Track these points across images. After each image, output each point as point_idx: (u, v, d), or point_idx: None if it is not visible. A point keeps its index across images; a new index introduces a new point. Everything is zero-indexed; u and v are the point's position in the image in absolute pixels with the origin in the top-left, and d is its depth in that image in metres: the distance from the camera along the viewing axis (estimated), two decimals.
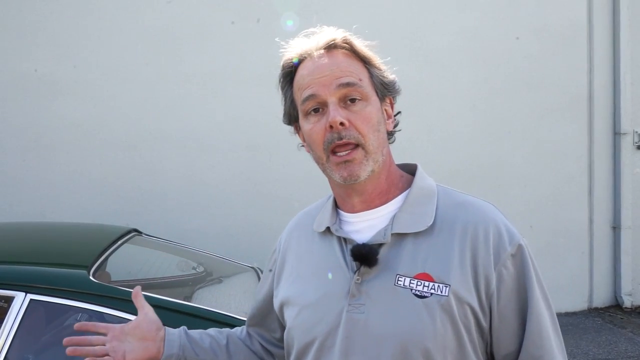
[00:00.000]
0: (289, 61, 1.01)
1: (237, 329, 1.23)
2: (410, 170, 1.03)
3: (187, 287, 2.76)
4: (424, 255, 0.91)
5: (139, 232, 2.83)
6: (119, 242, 2.43)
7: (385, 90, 0.97)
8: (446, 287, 0.88)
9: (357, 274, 0.92)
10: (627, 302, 4.99)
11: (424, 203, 0.95)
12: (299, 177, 4.52)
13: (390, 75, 0.99)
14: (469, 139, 4.64)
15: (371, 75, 0.96)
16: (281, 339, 1.08)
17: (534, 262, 0.93)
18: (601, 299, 5.03)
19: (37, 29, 4.14)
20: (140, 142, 4.29)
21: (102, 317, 1.86)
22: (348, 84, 0.92)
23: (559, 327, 0.95)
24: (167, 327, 1.13)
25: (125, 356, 1.05)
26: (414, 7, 4.61)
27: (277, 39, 1.13)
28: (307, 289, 0.98)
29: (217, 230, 4.34)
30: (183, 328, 1.16)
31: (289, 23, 4.50)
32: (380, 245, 0.93)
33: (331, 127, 0.91)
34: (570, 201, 4.93)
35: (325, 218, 1.01)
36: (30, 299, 1.80)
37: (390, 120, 1.00)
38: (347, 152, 0.92)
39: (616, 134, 4.98)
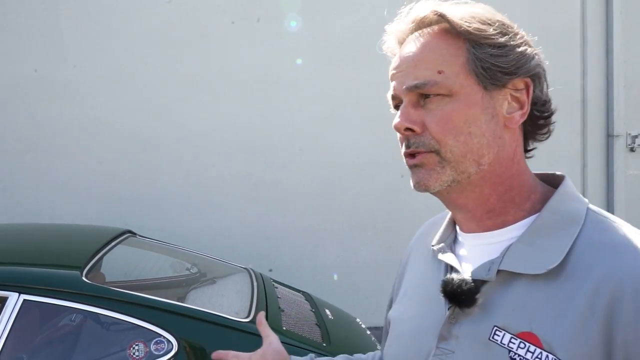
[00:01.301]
0: (384, 49, 0.82)
1: (370, 354, 1.06)
2: (554, 180, 0.78)
3: (181, 288, 2.78)
4: (534, 308, 0.67)
5: (133, 234, 2.84)
6: (113, 243, 2.45)
7: (500, 74, 0.71)
8: (553, 357, 0.64)
9: (450, 311, 0.73)
10: None
11: (555, 234, 0.69)
12: (294, 180, 4.55)
13: (520, 51, 0.72)
14: None
15: (470, 59, 0.71)
16: None
17: None
18: None
19: (35, 31, 4.15)
20: (137, 143, 4.30)
21: (95, 317, 1.88)
22: (416, 87, 0.72)
23: None
24: (292, 356, 1.01)
25: None
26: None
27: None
28: (404, 316, 0.83)
29: (213, 231, 4.36)
30: (310, 356, 1.05)
31: (292, 24, 4.53)
32: (484, 282, 0.71)
33: None
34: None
35: (439, 234, 0.83)
36: (24, 300, 1.82)
37: (521, 112, 0.73)
38: (418, 155, 0.73)
39: (609, 136, 5.01)
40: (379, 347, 2.62)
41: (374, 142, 4.59)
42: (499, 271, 0.70)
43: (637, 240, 0.67)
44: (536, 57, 0.74)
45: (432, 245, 0.82)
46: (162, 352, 1.86)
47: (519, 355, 0.66)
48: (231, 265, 2.90)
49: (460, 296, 0.70)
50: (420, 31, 0.75)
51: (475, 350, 0.69)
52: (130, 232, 2.81)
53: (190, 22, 4.34)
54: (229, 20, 4.40)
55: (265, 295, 2.41)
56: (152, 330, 1.88)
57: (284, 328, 2.14)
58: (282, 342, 2.04)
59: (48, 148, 4.18)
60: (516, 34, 0.74)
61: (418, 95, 0.73)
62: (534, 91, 0.74)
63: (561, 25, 4.93)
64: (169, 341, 1.88)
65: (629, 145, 5.02)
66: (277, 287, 2.68)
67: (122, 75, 4.24)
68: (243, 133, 4.44)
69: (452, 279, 0.72)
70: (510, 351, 0.66)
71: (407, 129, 0.73)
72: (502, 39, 0.71)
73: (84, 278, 1.94)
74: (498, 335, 0.68)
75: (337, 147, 4.58)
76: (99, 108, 4.24)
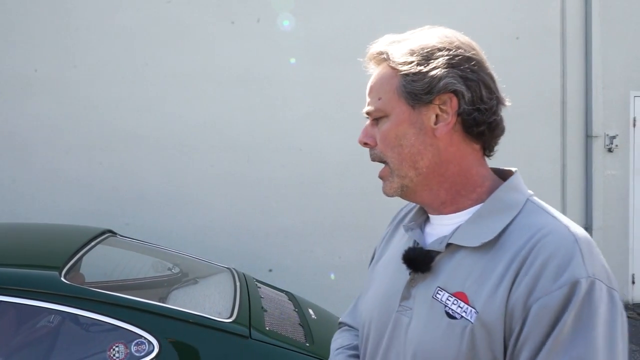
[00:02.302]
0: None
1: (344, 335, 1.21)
2: (506, 175, 0.93)
3: (163, 288, 2.74)
4: (470, 273, 0.82)
5: (114, 233, 2.80)
6: (93, 243, 2.41)
7: (419, 96, 0.86)
8: (474, 312, 0.79)
9: (410, 276, 0.90)
10: None
11: (495, 217, 0.85)
12: (277, 178, 4.53)
13: (434, 73, 0.85)
14: None
15: (399, 85, 0.88)
16: None
17: (613, 308, 0.75)
18: None
19: (11, 29, 4.07)
20: (116, 142, 4.24)
21: (74, 318, 1.85)
22: (368, 113, 0.94)
23: None
24: None
25: None
26: (393, 11, 4.66)
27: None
28: (376, 280, 1.01)
29: (195, 231, 4.32)
30: None
31: (285, 23, 4.51)
32: (437, 253, 0.87)
33: None
34: (544, 202, 5.04)
35: (410, 215, 1.01)
36: (0, 300, 1.77)
37: (443, 124, 0.87)
38: (381, 170, 0.94)
39: (588, 136, 5.10)
40: None
41: (357, 141, 4.59)
42: (448, 244, 0.87)
43: (556, 224, 0.82)
44: (449, 78, 0.85)
45: (404, 225, 1.00)
46: (143, 354, 1.83)
47: (451, 309, 0.82)
48: (214, 265, 2.88)
49: (417, 263, 0.88)
50: (378, 64, 0.94)
51: (425, 306, 0.86)
52: (110, 231, 2.77)
53: (170, 22, 4.29)
54: (221, 20, 4.37)
55: (248, 295, 2.40)
56: (132, 332, 1.85)
57: (267, 328, 2.13)
58: (265, 342, 2.04)
59: (23, 146, 4.10)
60: (442, 56, 0.86)
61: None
62: (460, 103, 0.86)
63: (541, 27, 5.00)
64: (150, 342, 1.85)
65: (607, 145, 5.11)
66: (260, 287, 2.66)
67: (100, 74, 4.18)
68: (225, 133, 4.41)
69: (413, 249, 0.90)
70: (446, 306, 0.83)
71: (364, 143, 0.95)
72: (418, 68, 0.86)
73: (62, 278, 1.90)
74: (439, 294, 0.84)
75: (322, 147, 4.57)
76: (76, 106, 4.16)
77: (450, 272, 0.85)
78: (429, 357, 0.82)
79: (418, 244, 0.93)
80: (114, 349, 1.82)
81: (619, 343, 0.74)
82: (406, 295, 0.89)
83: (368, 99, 0.93)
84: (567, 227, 0.81)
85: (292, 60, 4.50)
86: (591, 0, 4.99)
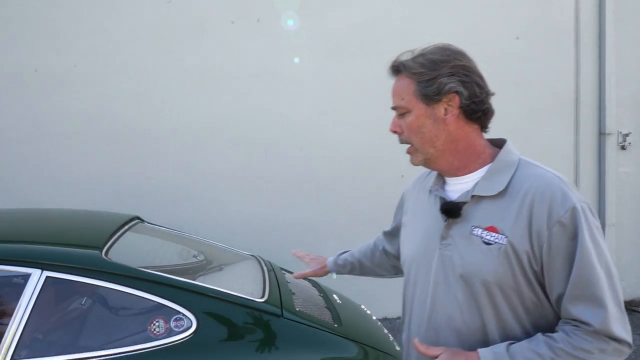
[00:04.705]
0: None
1: (371, 242, 1.78)
2: (500, 143, 1.28)
3: (189, 275, 2.81)
4: (494, 212, 1.17)
5: (141, 220, 2.87)
6: (125, 228, 2.48)
7: (431, 97, 1.21)
8: (505, 237, 1.14)
9: (446, 222, 1.23)
10: None
11: (502, 173, 1.19)
12: (293, 172, 4.60)
13: (441, 80, 1.19)
14: None
15: (415, 89, 1.22)
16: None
17: (591, 221, 1.12)
18: None
19: (38, 24, 4.16)
20: (135, 136, 4.32)
21: (116, 294, 1.92)
22: (394, 108, 1.28)
23: (615, 280, 1.13)
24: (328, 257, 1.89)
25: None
26: (406, 8, 4.73)
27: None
28: (415, 229, 1.34)
29: (212, 224, 4.38)
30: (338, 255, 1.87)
31: (289, 23, 4.59)
32: (464, 203, 1.21)
33: None
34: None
35: (432, 180, 1.33)
36: (47, 276, 1.85)
37: (450, 115, 1.22)
38: (407, 148, 1.29)
39: (601, 134, 5.14)
40: (385, 330, 2.69)
41: (372, 137, 4.65)
42: (472, 196, 1.20)
43: (542, 172, 1.18)
44: (451, 82, 1.20)
45: (430, 188, 1.33)
46: (181, 329, 1.90)
47: (487, 239, 1.16)
48: (239, 253, 2.94)
49: (451, 211, 1.22)
50: (396, 74, 1.28)
51: (463, 241, 1.20)
52: (138, 218, 2.84)
53: (190, 19, 4.37)
54: (229, 18, 4.45)
55: (277, 279, 2.46)
56: (172, 308, 1.92)
57: (297, 309, 2.19)
58: (296, 321, 2.10)
59: (48, 139, 4.19)
60: (444, 66, 1.20)
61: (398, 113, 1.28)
62: (460, 99, 1.21)
63: (556, 27, 5.05)
64: (188, 318, 1.92)
65: (620, 143, 5.15)
66: (285, 274, 2.73)
67: (122, 70, 4.27)
68: (243, 127, 4.48)
69: (446, 203, 1.24)
70: (482, 238, 1.17)
71: (394, 131, 1.29)
72: (428, 76, 1.20)
73: (104, 256, 1.97)
74: (475, 231, 1.18)
75: (336, 142, 4.64)
76: (100, 100, 4.25)
77: (478, 215, 1.19)
78: (473, 272, 1.16)
79: (444, 199, 1.25)
80: (154, 324, 1.89)
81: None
82: (444, 236, 1.23)
83: (393, 99, 1.27)
84: (552, 173, 1.18)
85: (297, 60, 4.57)
86: None
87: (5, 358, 1.73)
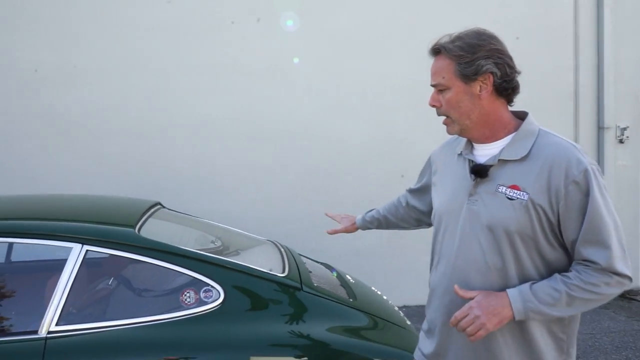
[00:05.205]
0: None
1: (395, 200, 1.96)
2: (522, 115, 1.46)
3: (214, 253, 2.94)
4: (517, 174, 1.36)
5: (162, 205, 3.02)
6: (151, 211, 2.63)
7: (469, 76, 1.38)
8: (527, 194, 1.33)
9: (475, 181, 1.42)
10: None
11: (525, 141, 1.38)
12: (302, 164, 4.75)
13: (479, 62, 1.37)
14: None
15: (455, 69, 1.39)
16: (426, 210, 1.79)
17: (600, 180, 1.32)
18: None
19: (57, 23, 4.33)
20: (151, 130, 4.48)
21: (150, 267, 2.07)
22: (434, 85, 1.45)
23: (619, 227, 1.33)
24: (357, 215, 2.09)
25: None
26: (410, 7, 4.88)
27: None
28: (445, 187, 1.54)
29: (224, 214, 4.51)
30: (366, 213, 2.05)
31: (288, 23, 4.75)
32: (491, 165, 1.40)
33: None
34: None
35: (462, 145, 1.52)
36: (86, 250, 2.00)
37: (485, 91, 1.40)
38: (444, 119, 1.48)
39: (600, 128, 5.29)
40: (396, 308, 2.84)
41: (377, 131, 4.82)
42: (499, 160, 1.39)
43: (559, 140, 1.37)
44: (488, 64, 1.37)
45: (458, 152, 1.51)
46: (210, 300, 2.05)
47: (510, 195, 1.36)
48: (256, 238, 3.10)
49: (480, 172, 1.41)
50: (436, 54, 1.44)
51: (489, 197, 1.39)
52: (160, 204, 2.99)
53: (201, 16, 4.53)
54: (238, 15, 4.60)
55: (295, 259, 2.61)
56: (201, 280, 2.07)
57: (315, 285, 2.35)
58: (314, 294, 2.25)
59: (67, 132, 4.35)
60: (481, 50, 1.37)
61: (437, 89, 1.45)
62: (494, 79, 1.39)
63: (555, 23, 5.21)
64: (216, 290, 2.07)
65: (618, 137, 5.31)
66: (301, 256, 2.88)
67: (136, 66, 4.43)
68: (253, 122, 4.64)
69: (476, 165, 1.43)
70: (506, 194, 1.36)
71: (433, 105, 1.46)
72: (468, 58, 1.37)
73: (138, 233, 2.13)
74: (500, 188, 1.38)
75: (344, 136, 4.79)
76: (116, 96, 4.42)
77: (504, 176, 1.38)
78: (498, 223, 1.36)
79: (473, 162, 1.45)
80: (185, 295, 2.05)
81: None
82: (472, 193, 1.42)
83: (433, 77, 1.44)
84: (567, 141, 1.38)
85: (296, 60, 4.73)
86: None
87: (51, 323, 1.88)
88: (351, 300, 2.39)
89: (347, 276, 2.88)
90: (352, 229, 2.07)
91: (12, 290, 2.22)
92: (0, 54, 4.28)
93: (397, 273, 4.83)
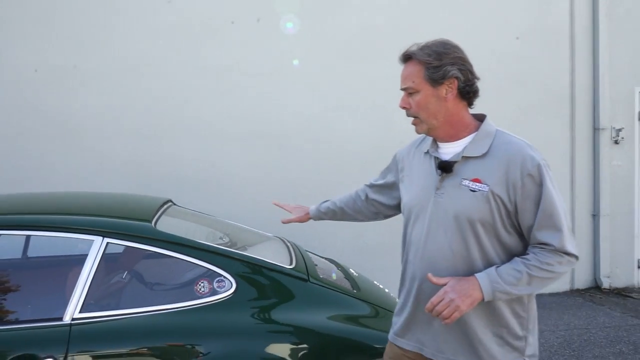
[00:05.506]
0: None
1: (353, 192, 2.13)
2: (481, 117, 1.65)
3: (225, 246, 3.06)
4: (479, 168, 1.54)
5: (173, 203, 3.15)
6: (164, 207, 2.76)
7: (437, 80, 1.55)
8: (487, 186, 1.51)
9: (441, 176, 1.59)
10: (606, 283, 5.41)
11: (485, 139, 1.57)
12: (305, 164, 4.88)
13: (445, 68, 1.54)
14: None
15: (424, 74, 1.56)
16: (388, 204, 1.97)
17: (550, 173, 1.50)
18: (582, 281, 5.45)
19: (57, 23, 4.45)
20: (159, 130, 4.61)
21: (166, 259, 2.20)
22: (405, 89, 1.61)
23: (566, 212, 1.52)
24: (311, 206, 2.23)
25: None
26: (411, 9, 5.02)
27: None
28: (413, 182, 1.71)
29: (229, 213, 4.64)
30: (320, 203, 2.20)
31: (288, 25, 4.88)
32: (456, 162, 1.57)
33: None
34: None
35: (428, 144, 1.70)
36: (107, 242, 2.13)
37: (450, 94, 1.57)
38: (413, 120, 1.65)
39: (595, 129, 5.42)
40: (397, 300, 2.96)
41: (380, 132, 4.94)
42: (462, 157, 1.56)
43: (514, 139, 1.55)
44: (453, 70, 1.55)
45: (426, 150, 1.68)
46: (223, 289, 2.18)
47: (472, 187, 1.52)
48: (263, 234, 3.22)
49: (446, 167, 1.58)
50: (406, 61, 1.61)
51: (454, 190, 1.56)
52: (171, 201, 3.12)
53: (205, 19, 4.66)
54: (241, 18, 4.74)
55: (301, 253, 2.74)
56: (214, 271, 2.20)
57: (321, 276, 2.48)
58: (320, 285, 2.38)
59: (76, 133, 4.48)
60: (447, 57, 1.55)
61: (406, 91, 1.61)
62: (458, 83, 1.56)
63: (552, 26, 5.34)
64: (228, 280, 2.20)
65: (614, 138, 5.44)
66: (307, 251, 3.01)
67: (143, 68, 4.55)
68: (261, 122, 4.76)
69: (442, 162, 1.60)
70: (469, 187, 1.53)
71: (403, 107, 1.63)
72: (436, 64, 1.54)
73: (155, 227, 2.26)
74: (464, 182, 1.55)
75: (347, 137, 4.92)
76: (123, 98, 4.54)
77: (467, 171, 1.55)
78: (462, 212, 1.53)
79: (439, 159, 1.62)
80: (199, 285, 2.18)
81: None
82: (438, 187, 1.59)
83: (403, 82, 1.60)
84: (521, 140, 1.55)
85: (296, 62, 4.86)
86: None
87: (75, 310, 2.01)
88: (355, 291, 2.52)
89: (351, 270, 3.01)
90: (305, 218, 2.19)
91: (38, 280, 2.35)
92: (0, 54, 4.37)
93: (397, 271, 4.95)
